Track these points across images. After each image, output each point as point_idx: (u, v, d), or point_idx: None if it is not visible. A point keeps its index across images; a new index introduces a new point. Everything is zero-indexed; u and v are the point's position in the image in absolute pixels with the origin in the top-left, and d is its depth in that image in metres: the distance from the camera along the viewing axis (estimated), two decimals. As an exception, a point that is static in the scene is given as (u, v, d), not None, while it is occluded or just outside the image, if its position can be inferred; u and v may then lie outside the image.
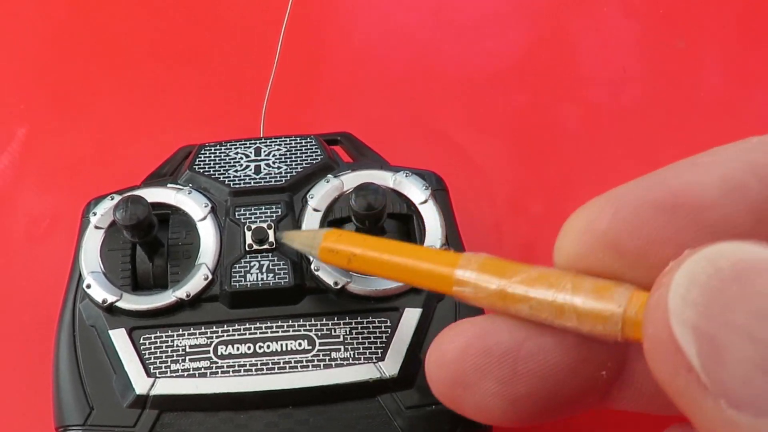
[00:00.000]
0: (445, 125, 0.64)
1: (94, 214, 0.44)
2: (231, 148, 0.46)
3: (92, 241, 0.42)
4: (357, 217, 0.39)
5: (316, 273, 0.40)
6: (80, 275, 0.41)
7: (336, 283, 0.40)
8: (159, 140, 0.61)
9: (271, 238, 0.44)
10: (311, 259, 0.40)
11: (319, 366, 0.38)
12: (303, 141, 0.49)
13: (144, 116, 0.66)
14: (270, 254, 0.41)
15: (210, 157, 0.46)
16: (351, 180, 0.44)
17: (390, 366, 0.38)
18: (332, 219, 0.42)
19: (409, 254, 0.31)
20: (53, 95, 0.67)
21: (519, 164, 0.61)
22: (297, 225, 0.42)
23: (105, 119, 0.66)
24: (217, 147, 0.46)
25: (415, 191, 0.43)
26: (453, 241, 0.46)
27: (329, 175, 0.44)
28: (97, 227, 0.43)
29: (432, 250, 0.35)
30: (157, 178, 0.50)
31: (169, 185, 0.44)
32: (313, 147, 0.46)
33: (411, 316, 0.40)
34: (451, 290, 0.28)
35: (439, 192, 0.48)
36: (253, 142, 0.45)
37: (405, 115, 0.65)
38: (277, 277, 0.40)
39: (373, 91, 0.67)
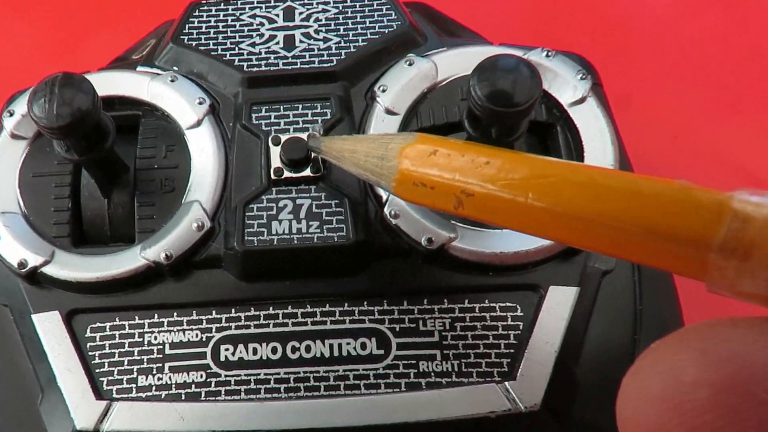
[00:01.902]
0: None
1: (10, 114, 0.29)
2: (244, 8, 0.34)
3: (7, 160, 0.31)
4: (483, 115, 0.26)
5: (393, 222, 0.29)
6: None
7: (430, 241, 0.28)
8: (138, 23, 0.47)
9: (316, 159, 0.29)
10: (383, 194, 0.29)
11: (399, 386, 0.28)
12: (367, -1, 0.32)
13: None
14: (313, 187, 0.29)
15: (209, 22, 0.34)
16: (448, 62, 0.32)
17: (526, 390, 0.27)
18: (421, 128, 0.31)
19: (603, 190, 0.20)
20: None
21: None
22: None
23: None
24: (221, 5, 0.34)
25: (564, 84, 0.32)
26: (622, 167, 0.31)
27: (411, 55, 0.32)
28: (15, 136, 0.32)
29: (656, 180, 0.20)
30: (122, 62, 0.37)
31: (139, 68, 0.34)
32: (385, 7, 0.33)
33: (560, 300, 0.29)
34: (705, 275, 0.18)
35: (596, 88, 0.31)
36: (281, -2, 0.30)
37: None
38: (325, 227, 0.28)
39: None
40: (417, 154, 0.23)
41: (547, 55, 0.31)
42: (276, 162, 0.29)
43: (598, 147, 0.30)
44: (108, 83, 0.32)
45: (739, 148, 0.46)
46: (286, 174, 0.29)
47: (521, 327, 0.28)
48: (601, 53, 0.45)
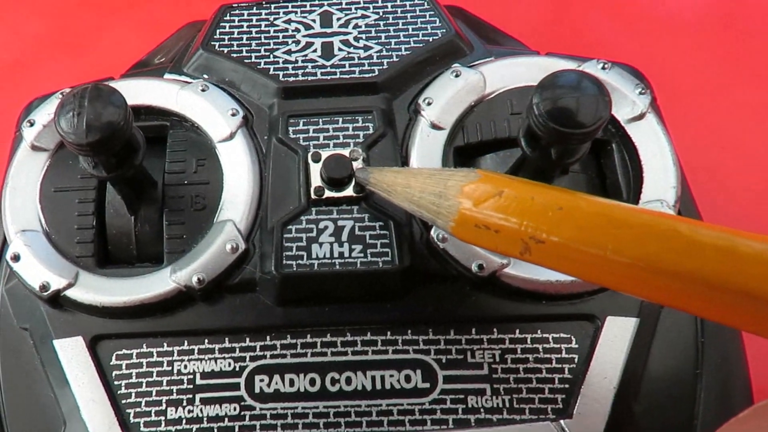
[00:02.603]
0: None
1: (31, 123, 0.27)
2: (278, 12, 0.32)
3: (27, 173, 0.30)
4: (545, 135, 0.24)
5: (440, 246, 0.28)
6: (4, 237, 0.29)
7: (481, 267, 0.27)
8: (156, 17, 0.48)
9: (361, 177, 0.28)
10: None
11: (446, 423, 0.26)
12: (408, 3, 0.30)
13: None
14: (356, 207, 0.28)
15: (242, 27, 0.32)
16: (497, 74, 0.30)
17: (583, 429, 0.26)
18: (467, 144, 0.30)
19: (692, 246, 0.18)
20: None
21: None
22: (402, 155, 0.29)
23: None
24: (254, 9, 0.32)
25: (622, 98, 0.30)
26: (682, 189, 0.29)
27: (457, 65, 0.31)
28: (36, 148, 0.30)
29: (752, 238, 0.18)
30: (146, 68, 0.35)
31: (167, 75, 0.32)
32: (428, 14, 0.32)
33: (618, 332, 0.27)
34: None
35: (653, 103, 0.30)
36: (318, 2, 0.27)
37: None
38: (369, 251, 0.27)
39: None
40: (480, 195, 0.21)
41: (603, 68, 0.29)
42: (316, 180, 0.28)
43: (659, 168, 0.28)
44: (133, 91, 0.30)
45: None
46: (327, 193, 0.27)
47: (576, 360, 0.27)
48: (645, 59, 0.44)
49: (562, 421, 0.26)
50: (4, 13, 0.50)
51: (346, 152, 0.28)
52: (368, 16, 0.32)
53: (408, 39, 0.31)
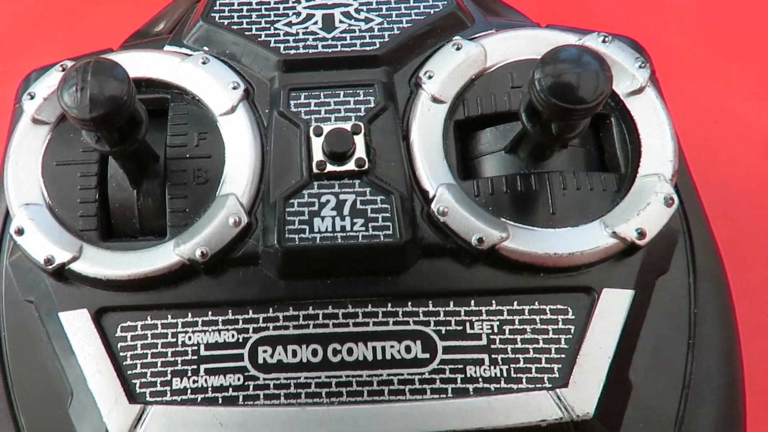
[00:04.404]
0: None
1: (31, 96, 0.28)
2: None
3: (28, 146, 0.30)
4: (547, 110, 0.25)
5: (441, 220, 0.28)
6: (7, 210, 0.29)
7: (480, 240, 0.27)
8: None
9: (360, 152, 0.28)
10: (430, 189, 0.28)
11: (445, 392, 0.27)
12: (410, -25, 0.31)
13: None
14: (357, 182, 0.28)
15: None
16: (498, 47, 0.30)
17: (579, 398, 0.26)
18: (468, 117, 0.30)
19: None
20: None
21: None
22: (403, 129, 0.29)
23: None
24: None
25: (622, 72, 0.30)
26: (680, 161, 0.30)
27: (457, 37, 0.31)
28: (37, 121, 0.30)
29: None
30: (144, 38, 0.35)
31: (167, 47, 0.32)
32: None
33: (614, 304, 0.28)
34: None
35: (652, 76, 0.30)
36: (318, -26, 0.29)
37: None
38: (370, 225, 0.27)
39: None
40: None
41: (604, 41, 0.29)
42: (318, 154, 0.28)
43: (657, 141, 0.28)
44: (134, 64, 0.30)
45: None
46: (329, 167, 0.28)
47: (573, 331, 0.27)
48: (641, 34, 0.44)
49: (558, 390, 0.26)
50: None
51: (347, 126, 0.28)
52: (370, -11, 0.31)
53: (409, 11, 0.31)
